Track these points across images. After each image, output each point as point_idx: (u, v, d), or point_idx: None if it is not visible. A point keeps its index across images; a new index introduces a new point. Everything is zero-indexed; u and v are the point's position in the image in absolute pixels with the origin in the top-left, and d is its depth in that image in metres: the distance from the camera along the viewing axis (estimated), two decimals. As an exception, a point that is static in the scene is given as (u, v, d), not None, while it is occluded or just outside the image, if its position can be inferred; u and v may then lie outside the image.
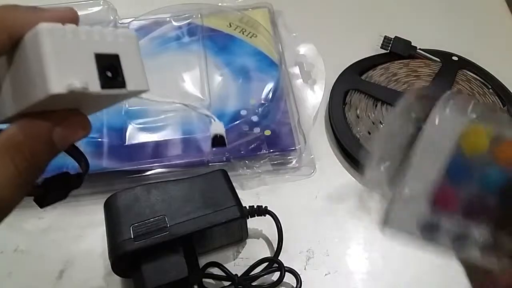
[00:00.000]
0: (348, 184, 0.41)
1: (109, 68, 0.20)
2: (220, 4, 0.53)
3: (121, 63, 0.20)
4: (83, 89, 0.19)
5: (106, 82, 0.19)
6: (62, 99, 0.19)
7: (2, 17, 0.20)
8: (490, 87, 0.46)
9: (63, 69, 0.18)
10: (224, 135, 0.41)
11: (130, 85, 0.20)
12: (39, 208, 0.24)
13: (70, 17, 0.21)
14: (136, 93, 0.21)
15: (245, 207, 0.35)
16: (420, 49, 0.49)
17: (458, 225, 0.19)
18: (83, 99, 0.20)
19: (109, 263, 0.32)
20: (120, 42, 0.20)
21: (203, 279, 0.35)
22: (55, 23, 0.19)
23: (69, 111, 0.21)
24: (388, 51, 0.49)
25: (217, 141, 0.41)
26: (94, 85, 0.19)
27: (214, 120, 0.42)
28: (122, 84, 0.20)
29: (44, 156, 0.21)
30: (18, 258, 0.38)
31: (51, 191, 0.24)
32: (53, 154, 0.21)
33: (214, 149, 0.41)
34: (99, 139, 0.42)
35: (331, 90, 0.46)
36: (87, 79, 0.19)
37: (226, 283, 0.35)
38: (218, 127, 0.41)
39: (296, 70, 0.48)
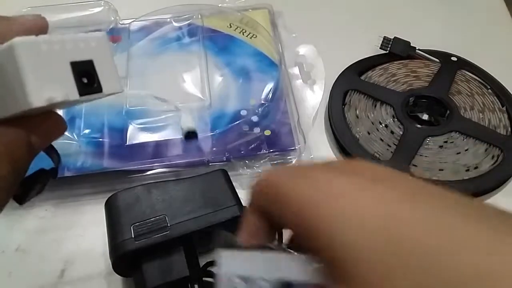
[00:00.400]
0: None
1: (85, 74, 0.20)
2: (220, 5, 0.53)
3: (95, 68, 0.21)
4: (62, 100, 0.19)
5: (83, 89, 0.20)
6: (41, 108, 0.19)
7: None
8: (489, 87, 0.46)
9: (42, 81, 0.19)
10: (195, 128, 0.42)
11: (106, 89, 0.21)
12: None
13: (40, 26, 0.21)
14: (111, 95, 0.22)
15: (245, 206, 0.35)
16: (419, 49, 0.49)
17: None
18: (60, 104, 0.21)
19: (110, 262, 0.33)
20: (92, 46, 0.21)
21: (204, 278, 0.35)
22: (29, 36, 0.19)
23: (45, 113, 0.22)
24: (387, 51, 0.49)
25: (189, 135, 0.42)
26: (72, 94, 0.20)
27: (180, 110, 0.42)
28: (99, 89, 0.21)
29: (24, 159, 0.21)
30: (19, 257, 0.38)
31: (31, 190, 0.25)
32: (32, 155, 0.22)
33: (214, 148, 0.41)
34: (100, 139, 0.42)
35: (331, 91, 0.47)
36: (66, 89, 0.20)
37: (226, 282, 0.35)
38: (187, 121, 0.42)
39: (296, 70, 0.49)
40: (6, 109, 0.20)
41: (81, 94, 0.20)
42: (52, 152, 0.26)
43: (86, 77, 0.20)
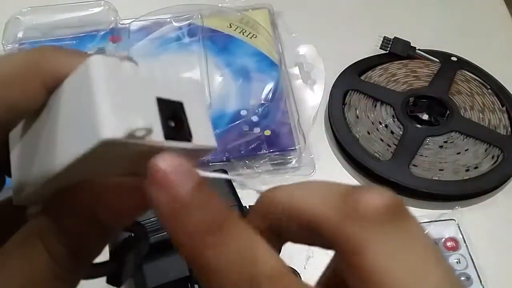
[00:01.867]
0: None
1: (172, 117, 0.16)
2: (220, 5, 0.53)
3: (186, 113, 0.16)
4: (144, 136, 0.14)
5: (169, 132, 0.16)
6: (103, 157, 0.15)
7: (35, 60, 0.16)
8: (489, 87, 0.46)
9: (120, 110, 0.14)
10: None
11: (196, 139, 0.17)
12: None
13: None
14: (199, 151, 0.17)
15: (245, 206, 0.35)
16: (419, 49, 0.49)
17: None
18: (125, 159, 0.16)
19: (110, 262, 0.33)
20: (184, 89, 0.17)
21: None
22: (111, 56, 0.15)
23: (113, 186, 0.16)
24: (387, 51, 0.49)
25: None
26: (156, 133, 0.15)
27: None
28: (187, 137, 0.16)
29: (94, 240, 0.16)
30: (19, 257, 0.38)
31: (125, 263, 0.19)
32: (104, 236, 0.17)
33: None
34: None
35: (331, 91, 0.47)
36: (150, 124, 0.15)
37: (227, 282, 0.35)
38: None
39: (296, 70, 0.49)
40: (63, 157, 0.15)
41: (166, 137, 0.15)
42: (140, 232, 0.20)
43: (174, 120, 0.16)
